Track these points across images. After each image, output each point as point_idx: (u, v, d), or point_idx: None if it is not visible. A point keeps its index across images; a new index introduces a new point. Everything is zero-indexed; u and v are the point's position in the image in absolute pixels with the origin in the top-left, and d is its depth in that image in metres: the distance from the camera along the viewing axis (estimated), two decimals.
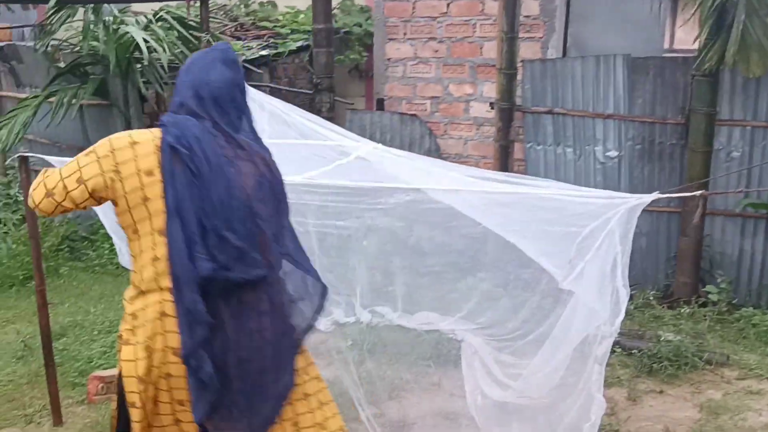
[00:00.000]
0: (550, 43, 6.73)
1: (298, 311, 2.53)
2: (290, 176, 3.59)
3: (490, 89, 6.78)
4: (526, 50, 6.65)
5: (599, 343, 3.24)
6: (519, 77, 6.30)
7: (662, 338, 4.60)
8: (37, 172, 2.99)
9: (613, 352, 4.52)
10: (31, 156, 3.54)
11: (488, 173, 3.78)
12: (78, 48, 6.71)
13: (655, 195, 2.97)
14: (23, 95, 7.26)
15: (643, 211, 6.07)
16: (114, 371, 3.83)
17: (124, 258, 3.67)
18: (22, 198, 6.70)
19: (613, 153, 6.14)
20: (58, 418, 3.74)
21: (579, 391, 3.43)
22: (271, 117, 4.34)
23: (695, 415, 3.92)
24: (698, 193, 2.99)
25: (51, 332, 3.79)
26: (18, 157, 3.51)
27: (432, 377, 4.29)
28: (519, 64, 6.24)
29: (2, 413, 3.89)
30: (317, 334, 4.86)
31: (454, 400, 4.04)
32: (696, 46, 5.46)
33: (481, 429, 3.71)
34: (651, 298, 5.41)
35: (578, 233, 3.20)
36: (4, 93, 7.71)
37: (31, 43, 7.75)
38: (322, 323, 4.98)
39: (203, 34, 6.71)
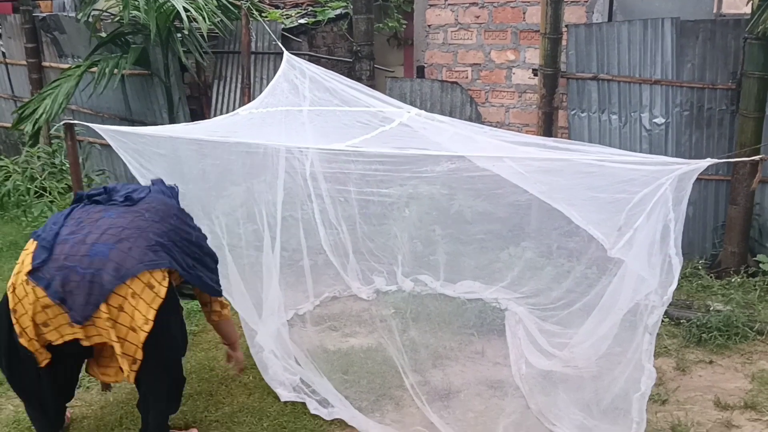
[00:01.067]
0: (596, 7, 6.55)
1: None
2: (333, 144, 3.59)
3: (533, 55, 6.64)
4: (571, 15, 6.48)
5: (650, 312, 3.17)
6: (563, 42, 6.16)
7: (711, 308, 4.50)
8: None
9: (660, 322, 4.48)
10: (76, 124, 3.56)
11: (533, 139, 3.71)
12: (119, 17, 6.70)
13: (710, 160, 2.86)
14: (66, 65, 7.31)
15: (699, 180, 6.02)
16: None
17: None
18: (67, 166, 6.80)
19: (660, 120, 5.98)
20: (105, 384, 3.79)
21: (627, 361, 3.38)
22: (312, 83, 4.32)
23: (746, 386, 3.84)
24: (758, 158, 2.87)
25: None
26: (63, 124, 3.52)
27: (475, 346, 4.25)
28: (564, 29, 6.09)
29: None
30: (360, 302, 4.90)
31: (499, 368, 4.01)
32: (747, 9, 5.26)
33: (527, 397, 3.68)
34: (699, 267, 5.29)
35: (628, 200, 3.12)
36: (47, 63, 7.76)
37: (72, 14, 7.78)
38: (365, 291, 5.00)
39: (242, 2, 6.66)
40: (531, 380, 3.82)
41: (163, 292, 2.99)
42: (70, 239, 2.99)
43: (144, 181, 3.54)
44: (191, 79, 7.66)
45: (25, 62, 7.79)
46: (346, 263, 4.99)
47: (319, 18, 8.44)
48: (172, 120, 7.06)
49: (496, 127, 7.03)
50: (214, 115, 7.29)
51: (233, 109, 6.44)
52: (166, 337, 3.07)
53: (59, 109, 6.40)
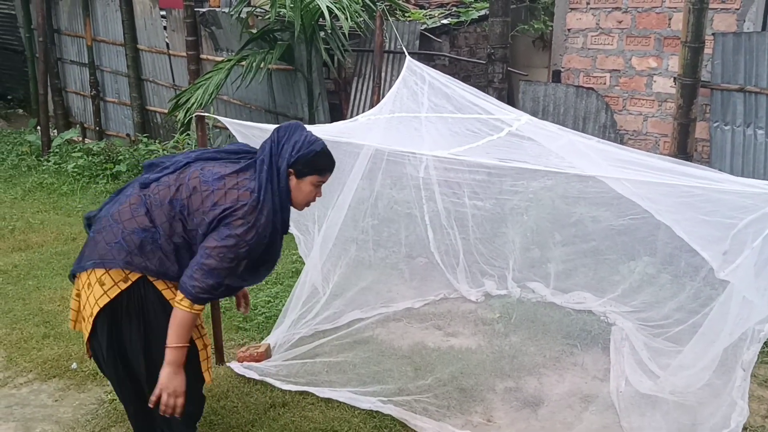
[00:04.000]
0: (748, 15, 6.18)
1: None
2: (437, 151, 3.70)
3: (677, 63, 6.39)
4: (720, 22, 6.17)
5: (747, 347, 3.04)
6: (708, 51, 5.89)
7: None
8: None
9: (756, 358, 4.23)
10: (207, 116, 3.87)
11: (641, 156, 3.62)
12: (268, 15, 7.12)
13: None
14: (220, 58, 7.86)
15: None
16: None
17: None
18: None
19: None
20: (220, 357, 4.12)
21: (726, 395, 3.27)
22: (431, 89, 4.43)
23: None
24: None
25: None
26: (195, 116, 3.85)
27: (576, 357, 4.22)
28: (709, 37, 5.82)
29: None
30: (467, 304, 4.97)
31: (596, 383, 3.96)
32: None
33: (620, 416, 3.63)
34: None
35: (734, 225, 3.01)
36: (204, 56, 8.36)
37: (227, 9, 8.33)
38: (474, 294, 5.07)
39: (382, 2, 6.87)
40: (628, 398, 3.75)
41: (114, 292, 2.77)
42: (104, 219, 2.90)
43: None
44: (335, 76, 7.99)
45: (185, 54, 8.43)
46: (455, 265, 5.08)
47: (462, 18, 8.52)
48: (312, 113, 7.42)
49: (632, 135, 6.84)
50: (352, 110, 7.58)
51: (370, 105, 6.67)
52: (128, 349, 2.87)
53: (209, 99, 6.90)
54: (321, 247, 4.31)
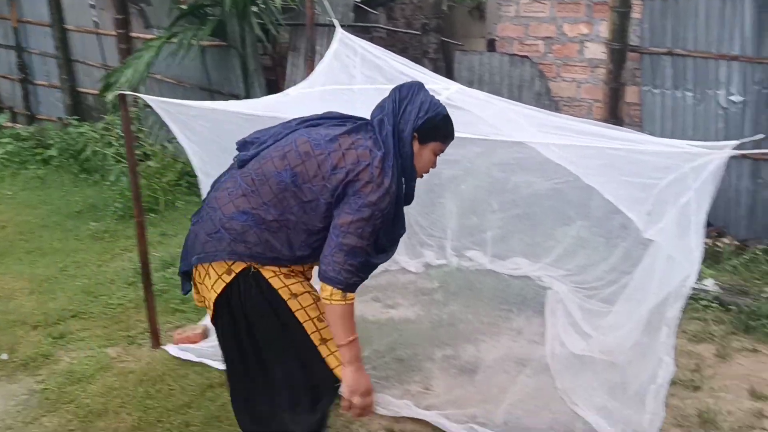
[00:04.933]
0: None
1: None
2: None
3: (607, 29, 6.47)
4: None
5: (671, 304, 3.12)
6: (637, 16, 5.97)
7: (764, 294, 4.35)
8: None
9: (709, 307, 4.38)
10: (130, 95, 3.78)
11: (571, 121, 3.66)
12: None
13: (731, 151, 2.77)
14: (150, 36, 7.67)
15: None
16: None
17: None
18: (143, 133, 7.17)
19: (737, 98, 5.74)
20: (156, 341, 4.07)
21: (653, 352, 3.35)
22: (363, 61, 4.38)
23: None
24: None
25: (149, 261, 4.08)
26: (118, 95, 3.75)
27: (512, 323, 4.29)
28: (638, 2, 5.90)
29: (109, 333, 4.28)
30: (407, 275, 5.00)
31: (533, 347, 4.04)
32: None
33: (555, 377, 3.70)
34: (759, 252, 5.09)
35: (655, 185, 3.07)
36: (134, 34, 8.15)
37: None
38: (413, 264, 5.10)
39: None
40: (562, 360, 3.83)
41: (220, 287, 2.50)
42: (203, 210, 2.64)
43: (190, 150, 3.73)
44: (269, 51, 7.88)
45: (114, 33, 8.20)
46: None
47: None
48: (248, 89, 7.31)
49: (566, 102, 6.92)
50: (288, 85, 7.49)
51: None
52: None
53: (140, 78, 6.73)
54: None
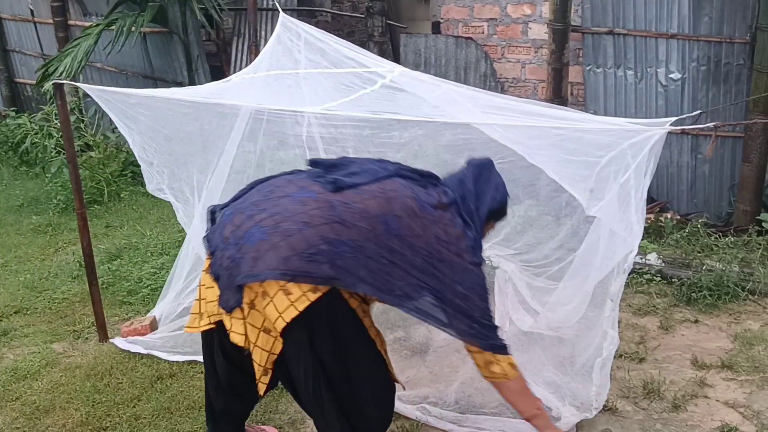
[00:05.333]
0: None
1: None
2: (308, 107, 3.65)
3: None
4: None
5: (615, 278, 3.20)
6: None
7: (705, 267, 4.47)
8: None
9: (652, 281, 4.49)
10: (66, 84, 3.68)
11: (514, 102, 3.69)
12: None
13: (668, 127, 2.84)
14: (89, 24, 7.47)
15: (707, 137, 5.87)
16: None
17: (151, 185, 3.82)
18: (84, 124, 7.01)
19: (676, 75, 5.86)
20: (103, 335, 4.00)
21: (598, 326, 3.43)
22: (307, 45, 4.35)
23: (728, 345, 3.83)
24: (711, 124, 2.82)
25: (93, 254, 4.01)
26: (53, 84, 3.65)
27: None
28: None
29: (54, 329, 4.20)
30: None
31: None
32: None
33: None
34: (699, 226, 5.22)
35: (597, 163, 3.13)
36: (72, 22, 7.95)
37: None
38: None
39: None
40: (511, 337, 3.87)
41: (303, 305, 2.34)
42: (247, 209, 2.51)
43: (131, 140, 3.66)
44: (213, 37, 7.76)
45: (51, 21, 7.98)
46: None
47: None
48: (192, 77, 7.20)
49: (512, 83, 6.98)
50: (233, 71, 7.39)
51: None
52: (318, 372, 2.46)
53: (79, 67, 6.57)
54: (202, 214, 4.20)
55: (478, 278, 2.64)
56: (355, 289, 2.42)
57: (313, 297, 2.35)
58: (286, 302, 2.33)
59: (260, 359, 2.44)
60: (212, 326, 2.58)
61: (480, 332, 2.62)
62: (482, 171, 2.82)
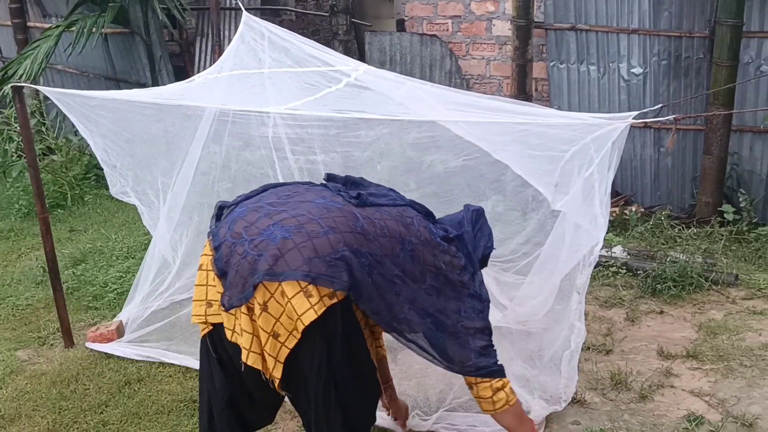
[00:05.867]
0: None
1: None
2: (272, 107, 3.63)
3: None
4: None
5: (580, 271, 3.23)
6: None
7: (669, 258, 4.54)
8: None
9: (618, 273, 4.55)
10: (26, 86, 3.63)
11: (479, 98, 3.72)
12: None
13: (630, 121, 2.87)
14: (48, 25, 7.35)
15: (669, 130, 5.95)
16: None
17: (114, 189, 3.78)
18: (45, 128, 6.91)
19: (638, 70, 5.94)
20: (68, 341, 3.94)
21: (565, 319, 3.46)
22: (271, 45, 4.32)
23: (692, 335, 3.90)
24: (672, 117, 2.86)
25: (57, 259, 3.95)
26: (11, 87, 3.58)
27: None
28: None
29: (18, 335, 4.13)
30: None
31: None
32: None
33: None
34: (663, 218, 5.30)
35: (561, 157, 3.16)
36: (31, 23, 7.82)
37: None
38: None
39: None
40: None
41: (321, 309, 2.31)
42: (264, 208, 2.49)
43: (93, 143, 3.61)
44: (176, 37, 7.68)
45: (10, 23, 7.84)
46: None
47: None
48: (155, 77, 7.12)
49: (477, 80, 7.01)
50: (197, 71, 7.33)
51: None
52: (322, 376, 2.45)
53: (39, 69, 6.46)
54: (168, 216, 4.16)
55: (482, 306, 2.79)
56: (364, 304, 2.44)
57: (329, 302, 2.33)
58: (306, 304, 2.30)
59: (270, 366, 2.41)
60: (211, 328, 2.53)
61: (478, 362, 2.72)
62: (479, 218, 2.98)
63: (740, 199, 5.37)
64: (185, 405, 3.37)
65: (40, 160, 6.18)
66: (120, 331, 3.98)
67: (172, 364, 3.68)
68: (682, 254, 4.60)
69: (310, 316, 2.30)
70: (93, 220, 5.95)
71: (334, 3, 6.59)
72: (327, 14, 7.32)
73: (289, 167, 5.06)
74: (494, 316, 4.03)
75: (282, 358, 2.38)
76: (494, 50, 6.93)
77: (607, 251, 4.83)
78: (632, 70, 5.97)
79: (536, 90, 6.54)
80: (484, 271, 4.45)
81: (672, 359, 3.66)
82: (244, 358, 2.40)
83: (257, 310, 2.35)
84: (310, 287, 2.30)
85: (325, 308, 2.31)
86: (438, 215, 5.12)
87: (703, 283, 4.36)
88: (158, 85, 6.99)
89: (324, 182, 2.79)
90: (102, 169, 4.03)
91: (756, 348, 3.74)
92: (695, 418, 3.17)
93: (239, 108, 3.75)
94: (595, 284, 4.48)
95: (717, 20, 5.34)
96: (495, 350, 2.82)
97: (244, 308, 2.36)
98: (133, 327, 4.03)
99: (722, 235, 5.04)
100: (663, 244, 4.99)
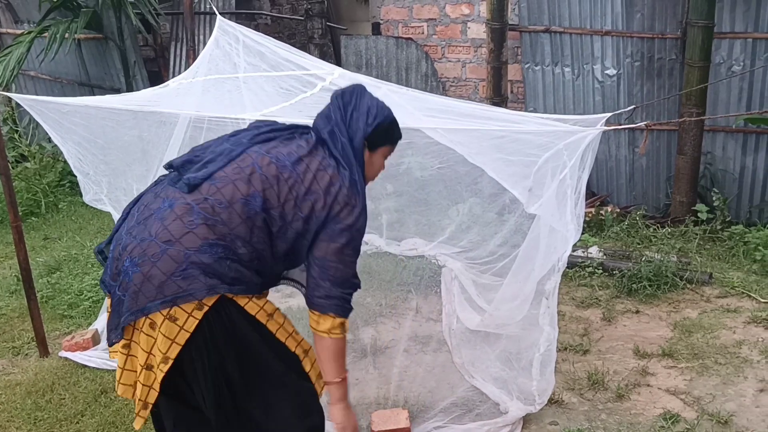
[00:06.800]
0: None
1: None
2: (249, 113, 3.62)
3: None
4: None
5: (549, 277, 3.26)
6: None
7: (644, 258, 4.58)
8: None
9: (594, 273, 4.58)
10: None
11: (454, 103, 3.73)
12: None
13: (602, 128, 2.90)
14: (20, 31, 7.28)
15: (644, 130, 6.01)
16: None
17: (88, 196, 3.74)
18: (18, 134, 6.84)
19: (612, 71, 6.00)
20: (44, 350, 3.90)
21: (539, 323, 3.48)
22: (245, 49, 4.30)
23: (668, 334, 3.94)
24: (642, 124, 2.90)
25: (31, 267, 3.90)
26: None
27: (411, 303, 4.35)
28: None
29: None
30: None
31: (431, 324, 4.11)
32: None
33: (452, 352, 3.79)
34: (639, 218, 5.35)
35: (534, 162, 3.18)
36: (3, 30, 7.74)
37: None
38: None
39: None
40: (459, 335, 3.92)
41: (192, 325, 2.17)
42: (123, 240, 2.29)
43: (66, 150, 3.58)
44: (151, 42, 7.64)
45: None
46: None
47: None
48: (129, 83, 7.06)
49: (453, 82, 7.04)
50: (172, 76, 7.28)
51: None
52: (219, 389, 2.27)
53: (11, 76, 6.39)
54: None
55: (352, 220, 2.32)
56: (233, 291, 2.21)
57: (200, 314, 2.18)
58: (175, 329, 2.17)
59: (141, 394, 2.27)
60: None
61: (326, 294, 2.32)
62: (351, 98, 2.45)
63: (714, 198, 5.44)
64: None
65: (13, 168, 6.12)
66: (96, 340, 3.94)
67: None
68: (657, 254, 4.65)
69: (183, 337, 2.17)
70: (68, 228, 5.89)
71: (309, 7, 6.57)
72: (302, 18, 7.30)
73: None
74: (473, 320, 4.09)
75: (157, 386, 2.25)
76: (470, 53, 6.97)
77: (584, 252, 4.87)
78: (606, 72, 6.02)
79: (512, 92, 6.58)
80: (463, 274, 4.52)
81: (648, 358, 3.70)
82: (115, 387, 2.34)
83: (131, 345, 2.26)
84: (173, 310, 2.16)
85: (197, 321, 2.17)
86: (417, 218, 5.18)
87: (678, 282, 4.40)
88: (133, 91, 6.95)
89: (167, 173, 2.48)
90: (76, 176, 3.99)
91: (730, 346, 3.78)
92: (671, 417, 3.20)
93: (215, 115, 3.71)
94: (572, 285, 4.52)
95: (688, 21, 5.41)
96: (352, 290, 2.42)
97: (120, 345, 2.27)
98: None
99: (696, 234, 5.10)
100: (638, 244, 5.04)
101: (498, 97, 5.90)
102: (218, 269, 2.18)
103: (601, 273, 4.62)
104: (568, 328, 3.98)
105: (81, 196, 3.98)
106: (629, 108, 4.23)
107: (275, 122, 2.57)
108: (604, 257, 4.80)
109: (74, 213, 6.19)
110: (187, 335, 2.17)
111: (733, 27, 5.50)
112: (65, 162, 6.36)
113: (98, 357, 3.79)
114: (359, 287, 2.43)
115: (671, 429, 3.13)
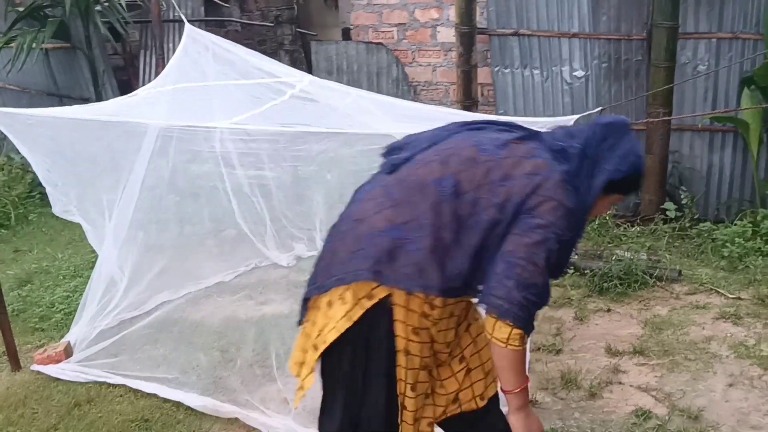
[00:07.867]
0: None
1: None
2: (219, 122, 3.62)
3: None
4: None
5: None
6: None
7: (615, 257, 4.64)
8: None
9: (566, 273, 4.62)
10: None
11: (423, 108, 3.77)
12: None
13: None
14: None
15: None
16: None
17: (57, 208, 3.72)
18: None
19: (580, 72, 6.07)
20: (15, 364, 3.85)
21: None
22: (215, 57, 4.30)
23: (638, 332, 3.99)
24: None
25: (1, 281, 3.86)
26: None
27: None
28: None
29: None
30: (279, 270, 4.98)
31: None
32: None
33: None
34: (609, 217, 5.42)
35: None
36: None
37: None
38: (285, 259, 5.09)
39: None
40: None
41: (358, 313, 2.08)
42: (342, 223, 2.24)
43: (33, 161, 3.55)
44: (120, 51, 7.59)
45: None
46: (264, 233, 5.06)
47: None
48: (99, 92, 7.01)
49: (423, 86, 7.07)
50: (142, 85, 7.24)
51: None
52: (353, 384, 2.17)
53: None
54: (114, 233, 4.11)
55: (552, 218, 2.02)
56: (402, 286, 2.06)
57: (367, 304, 2.08)
58: (342, 311, 2.09)
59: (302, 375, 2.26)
60: None
61: (509, 295, 2.00)
62: (612, 132, 2.14)
63: (682, 197, 5.52)
64: (136, 425, 3.32)
65: None
66: (68, 352, 3.90)
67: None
68: (627, 252, 4.71)
69: (345, 324, 2.09)
70: (38, 240, 5.83)
71: (279, 13, 6.58)
72: (272, 24, 7.30)
73: (238, 181, 5.05)
74: None
75: (310, 364, 2.20)
76: (440, 57, 7.01)
77: None
78: (574, 73, 6.09)
79: (482, 95, 6.63)
80: None
81: (619, 356, 3.75)
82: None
83: (308, 327, 2.24)
84: (345, 293, 2.09)
85: (363, 311, 2.08)
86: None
87: (648, 280, 4.47)
88: (102, 100, 6.88)
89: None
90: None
91: (699, 342, 3.85)
92: (643, 413, 3.24)
93: (184, 124, 3.71)
94: None
95: (654, 23, 5.49)
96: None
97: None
98: (81, 347, 3.96)
99: (666, 232, 5.18)
100: (609, 243, 5.10)
101: (469, 101, 5.94)
102: (394, 256, 2.05)
103: (573, 272, 4.67)
104: (541, 328, 4.01)
105: (51, 207, 3.96)
106: (597, 109, 4.28)
107: (497, 119, 2.44)
108: (576, 257, 4.85)
109: (45, 224, 6.12)
110: (350, 323, 2.08)
111: (697, 27, 5.60)
112: (35, 173, 6.32)
113: (71, 370, 3.75)
114: (546, 302, 2.08)
115: (643, 425, 3.18)
